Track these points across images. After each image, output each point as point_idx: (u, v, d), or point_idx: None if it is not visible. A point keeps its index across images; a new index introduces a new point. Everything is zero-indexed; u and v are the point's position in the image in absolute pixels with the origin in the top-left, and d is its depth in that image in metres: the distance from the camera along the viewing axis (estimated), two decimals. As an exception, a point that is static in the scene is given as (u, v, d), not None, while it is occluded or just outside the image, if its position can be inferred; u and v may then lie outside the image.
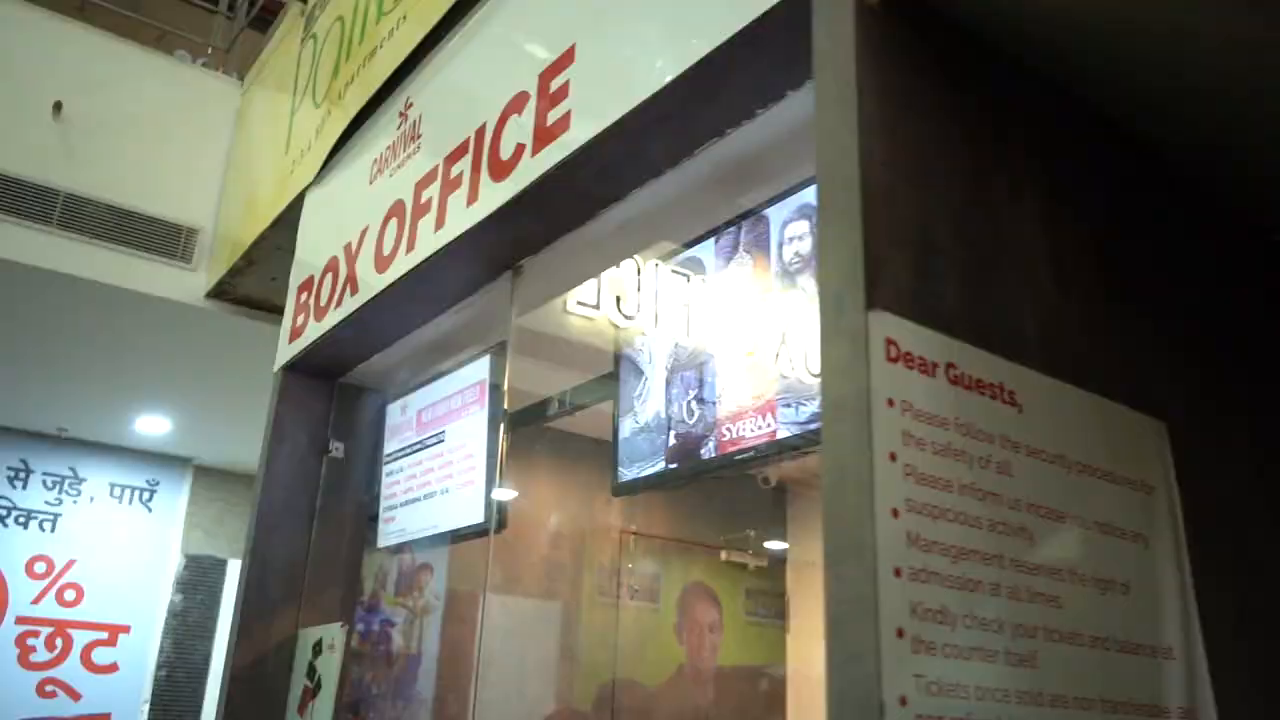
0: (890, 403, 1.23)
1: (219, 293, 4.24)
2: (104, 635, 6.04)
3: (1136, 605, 1.45)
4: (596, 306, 3.30)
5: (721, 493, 4.04)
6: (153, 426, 5.94)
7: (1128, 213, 1.72)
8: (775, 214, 1.91)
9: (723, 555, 3.98)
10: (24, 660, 5.80)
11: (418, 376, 3.06)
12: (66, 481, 6.14)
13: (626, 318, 3.46)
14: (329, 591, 3.06)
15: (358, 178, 3.02)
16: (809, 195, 1.86)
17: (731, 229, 2.02)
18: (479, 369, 2.72)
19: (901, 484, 1.21)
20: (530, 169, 2.11)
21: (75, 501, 6.15)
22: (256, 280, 4.08)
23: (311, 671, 2.83)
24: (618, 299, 3.40)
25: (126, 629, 6.11)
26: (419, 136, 2.69)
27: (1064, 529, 1.39)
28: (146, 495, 6.37)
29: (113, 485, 6.28)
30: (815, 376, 1.75)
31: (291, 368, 3.16)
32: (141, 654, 6.15)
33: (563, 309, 3.07)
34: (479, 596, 3.81)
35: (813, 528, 4.14)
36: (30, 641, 5.82)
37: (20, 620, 5.85)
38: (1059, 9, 1.49)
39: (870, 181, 1.33)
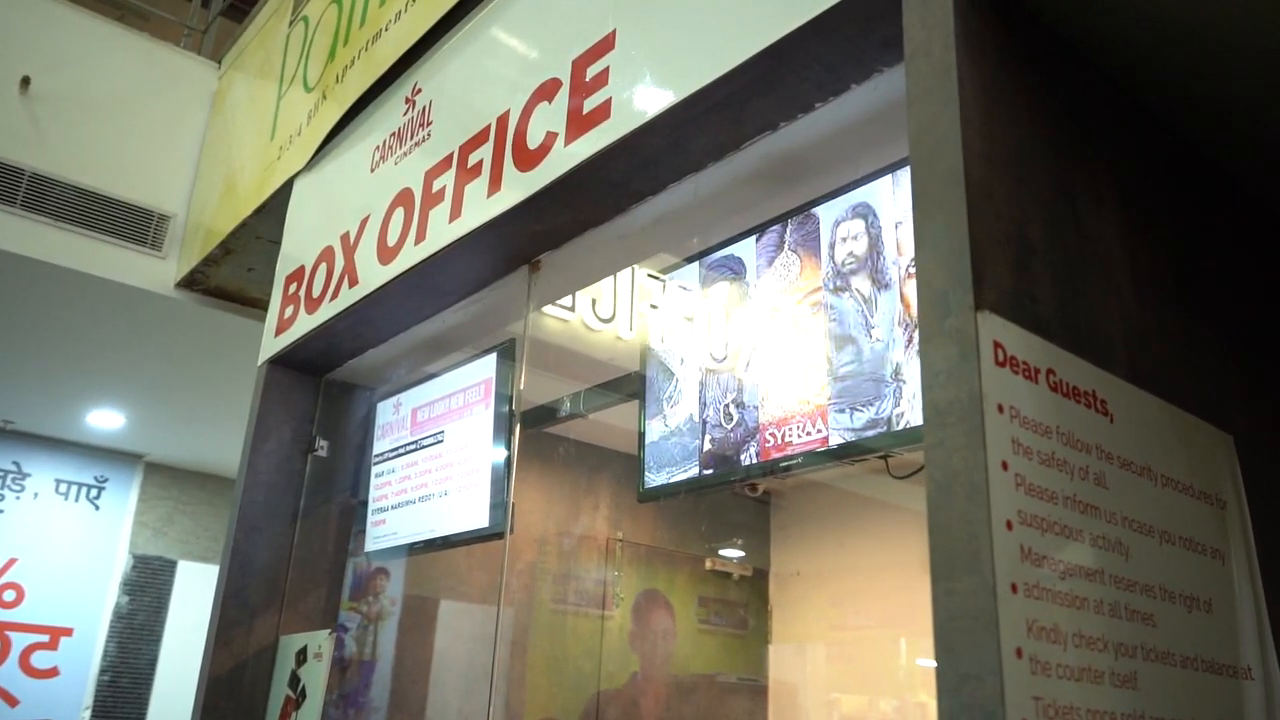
0: (1000, 409, 1.17)
1: (190, 282, 4.07)
2: (45, 638, 5.77)
3: (1218, 624, 1.40)
4: (572, 309, 3.22)
5: (705, 500, 3.97)
6: (105, 421, 5.70)
7: (1195, 226, 1.68)
8: (826, 213, 1.84)
9: (708, 564, 3.91)
10: (-41, 664, 5.52)
11: (409, 373, 2.95)
12: (9, 477, 5.86)
13: (602, 321, 3.38)
14: (312, 597, 2.92)
15: (356, 165, 2.90)
16: (863, 194, 1.80)
17: (774, 227, 1.95)
18: (484, 367, 2.61)
19: (1014, 495, 1.15)
20: (563, 158, 2.02)
21: (18, 498, 5.87)
22: (231, 270, 3.92)
23: (294, 680, 2.69)
24: (593, 301, 3.32)
25: (69, 632, 5.84)
26: (430, 123, 2.59)
27: (1154, 544, 1.34)
28: (94, 492, 6.10)
29: (59, 481, 6.01)
30: (872, 380, 1.69)
31: (277, 362, 3.01)
32: (84, 657, 5.88)
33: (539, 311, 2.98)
34: (438, 602, 3.70)
35: (795, 539, 4.10)
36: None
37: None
38: (1142, 17, 1.44)
39: (971, 175, 1.27)
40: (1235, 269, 1.74)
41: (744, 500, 3.95)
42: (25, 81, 3.86)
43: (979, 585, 1.10)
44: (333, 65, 3.16)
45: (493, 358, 2.59)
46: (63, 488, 6.02)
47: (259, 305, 4.08)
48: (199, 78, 4.42)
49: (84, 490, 6.07)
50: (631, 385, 2.47)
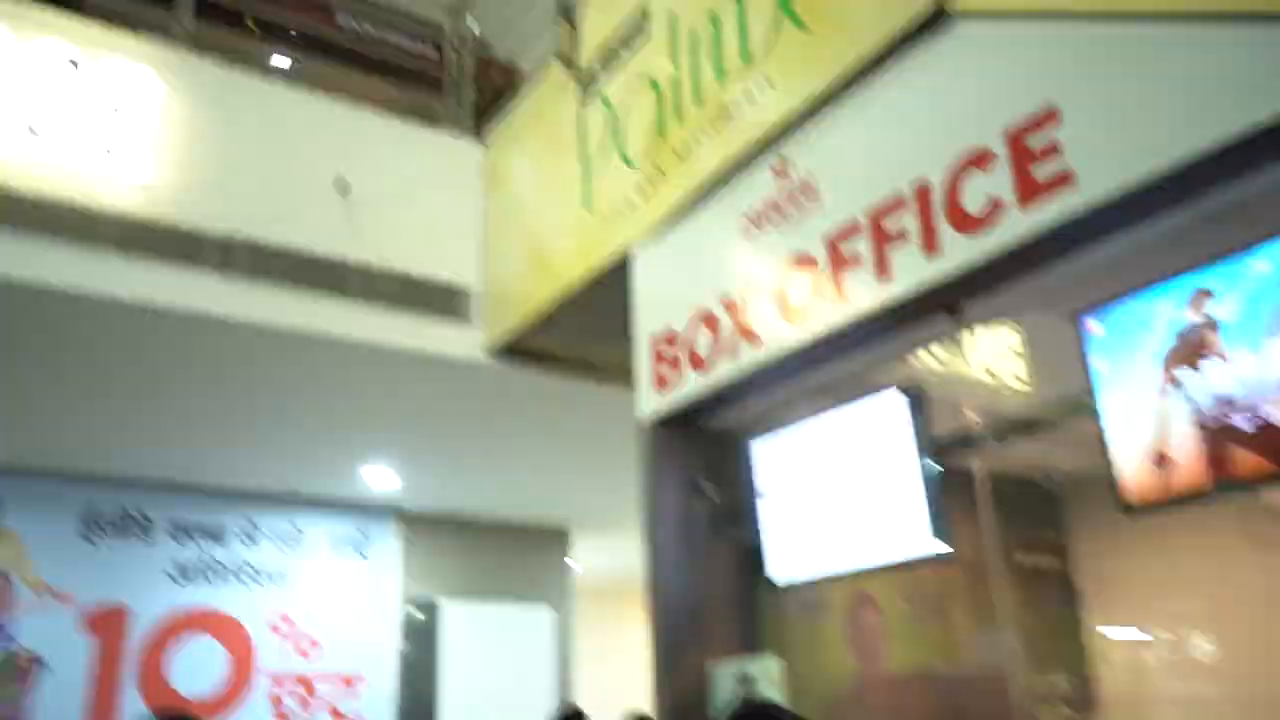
0: None
1: (499, 348, 4.44)
2: (345, 686, 6.28)
3: None
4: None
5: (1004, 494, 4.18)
6: (374, 478, 6.12)
7: None
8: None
9: (1020, 560, 4.14)
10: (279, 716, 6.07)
11: (788, 413, 3.22)
12: (290, 536, 6.38)
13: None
14: (727, 627, 3.24)
15: (722, 233, 3.20)
16: None
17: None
18: (890, 402, 2.87)
19: None
20: (1017, 221, 2.30)
21: (300, 556, 6.39)
22: (544, 335, 4.28)
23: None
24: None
25: (361, 679, 6.34)
26: (816, 192, 2.88)
27: None
28: (361, 544, 6.60)
29: (332, 537, 6.52)
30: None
31: (660, 417, 3.33)
32: (381, 702, 6.40)
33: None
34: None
35: (1093, 526, 4.28)
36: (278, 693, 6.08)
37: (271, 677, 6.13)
38: None
39: None
40: None
41: (1041, 492, 4.17)
42: (344, 184, 4.27)
43: None
44: (666, 141, 3.47)
45: (897, 393, 2.86)
46: (335, 543, 6.52)
47: (560, 365, 4.50)
48: (465, 155, 4.81)
49: (352, 543, 6.56)
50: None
